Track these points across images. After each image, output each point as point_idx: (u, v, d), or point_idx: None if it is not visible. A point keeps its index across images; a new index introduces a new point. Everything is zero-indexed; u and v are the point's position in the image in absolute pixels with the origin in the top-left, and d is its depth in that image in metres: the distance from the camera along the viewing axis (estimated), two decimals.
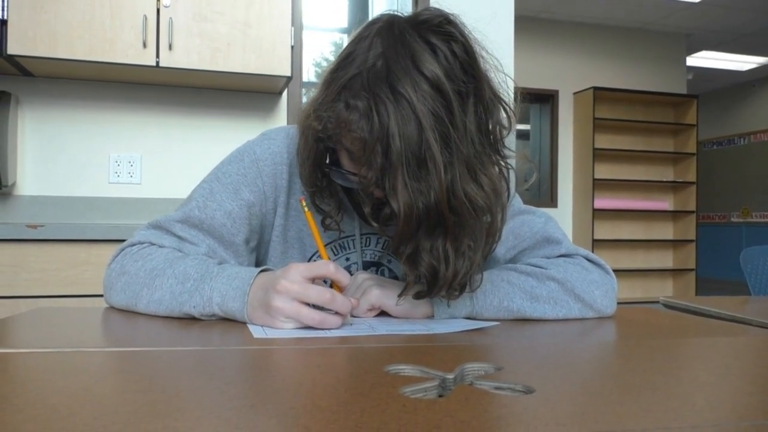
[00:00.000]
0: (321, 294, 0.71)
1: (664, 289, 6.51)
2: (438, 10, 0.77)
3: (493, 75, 0.78)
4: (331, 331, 0.70)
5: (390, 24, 0.75)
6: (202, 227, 0.87)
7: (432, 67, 0.71)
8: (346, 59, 0.76)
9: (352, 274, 0.94)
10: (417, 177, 0.69)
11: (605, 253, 6.12)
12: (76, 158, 2.43)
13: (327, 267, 0.73)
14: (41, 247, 1.85)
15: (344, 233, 0.94)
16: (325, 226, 0.87)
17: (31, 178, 2.39)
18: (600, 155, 6.09)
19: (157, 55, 2.18)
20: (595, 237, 6.00)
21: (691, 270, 6.36)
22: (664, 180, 6.43)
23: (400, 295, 0.80)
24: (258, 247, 0.96)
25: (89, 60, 2.12)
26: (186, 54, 2.20)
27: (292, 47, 2.31)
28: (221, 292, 0.75)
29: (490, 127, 0.76)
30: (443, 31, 0.74)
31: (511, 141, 0.81)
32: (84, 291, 1.86)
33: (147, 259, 0.82)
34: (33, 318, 0.79)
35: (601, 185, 6.08)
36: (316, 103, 0.78)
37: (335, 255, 0.95)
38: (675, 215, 6.51)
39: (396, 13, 0.79)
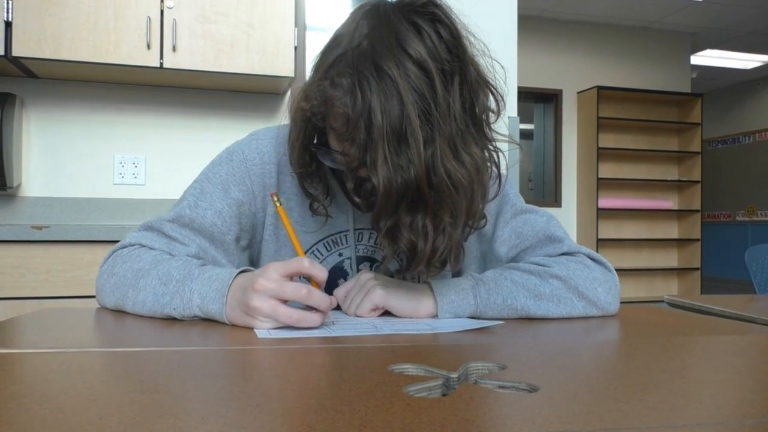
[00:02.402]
0: (297, 290, 0.71)
1: (669, 289, 6.49)
2: None
3: (480, 60, 0.79)
4: (335, 330, 0.71)
5: (376, 7, 0.78)
6: (192, 226, 0.88)
7: (416, 46, 0.72)
8: (333, 41, 0.79)
9: (345, 270, 0.95)
10: (397, 152, 0.71)
11: (610, 252, 6.11)
12: (80, 159, 2.44)
13: (301, 263, 0.73)
14: (46, 248, 1.86)
15: (337, 229, 0.95)
16: (312, 210, 0.89)
17: (36, 180, 2.40)
18: (604, 154, 6.07)
19: (161, 57, 2.18)
20: (600, 236, 5.98)
21: (696, 269, 6.34)
22: (669, 179, 6.41)
23: (377, 269, 0.82)
24: (251, 246, 0.97)
25: (93, 61, 2.13)
26: (190, 55, 2.21)
27: (296, 48, 2.32)
28: (201, 293, 0.75)
29: (477, 109, 0.77)
30: (429, 13, 0.76)
31: (500, 126, 0.82)
32: (89, 292, 1.87)
33: (135, 261, 0.83)
34: (38, 319, 0.79)
35: (605, 184, 6.07)
36: (306, 85, 0.80)
37: (328, 251, 0.96)
38: (680, 214, 6.49)
39: None
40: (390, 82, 0.70)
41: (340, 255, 0.96)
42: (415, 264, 0.77)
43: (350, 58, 0.73)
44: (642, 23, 6.30)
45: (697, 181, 6.32)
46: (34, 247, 1.85)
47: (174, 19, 2.18)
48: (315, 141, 0.85)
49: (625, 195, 6.26)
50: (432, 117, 0.72)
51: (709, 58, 7.23)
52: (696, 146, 6.33)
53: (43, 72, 2.30)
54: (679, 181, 6.40)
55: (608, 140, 6.11)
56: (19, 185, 2.34)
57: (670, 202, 6.44)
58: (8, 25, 2.05)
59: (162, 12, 2.18)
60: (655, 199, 6.39)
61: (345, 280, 0.96)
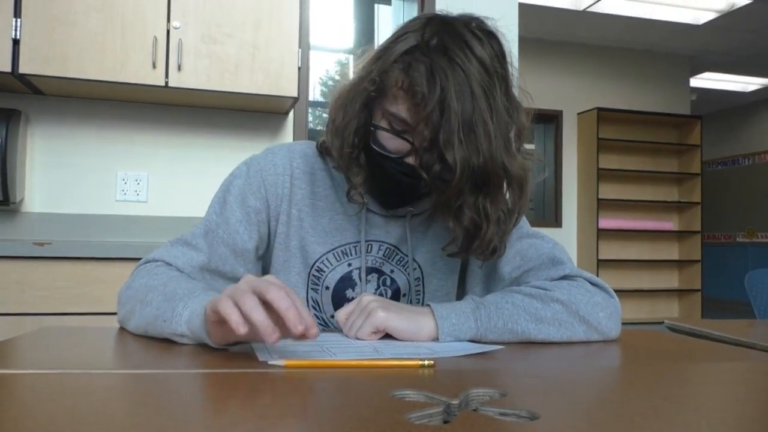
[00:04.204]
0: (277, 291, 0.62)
1: (670, 310, 6.47)
2: (474, 15, 0.87)
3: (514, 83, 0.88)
4: (336, 353, 0.71)
5: (438, 16, 0.86)
6: (217, 234, 0.92)
7: (480, 50, 0.81)
8: (399, 37, 0.85)
9: (354, 280, 0.96)
10: (469, 137, 0.78)
11: (610, 273, 6.10)
12: (83, 176, 2.45)
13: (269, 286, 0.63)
14: (48, 264, 1.87)
15: (347, 240, 0.97)
16: (349, 198, 0.93)
17: (39, 195, 2.41)
18: (604, 175, 6.09)
19: (167, 76, 2.20)
20: (600, 257, 5.98)
21: (697, 290, 6.33)
22: (669, 200, 6.42)
23: (444, 247, 0.90)
24: (264, 256, 0.99)
25: (99, 79, 2.15)
26: (195, 75, 2.23)
27: (299, 68, 2.34)
28: (192, 309, 0.72)
29: (514, 120, 0.85)
30: (483, 29, 0.85)
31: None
32: (90, 309, 1.87)
33: (152, 277, 0.85)
34: (38, 338, 0.79)
35: (605, 205, 6.08)
36: (362, 71, 0.87)
37: (338, 261, 0.97)
38: (680, 235, 6.49)
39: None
40: (462, 74, 0.78)
41: (349, 265, 0.97)
42: (477, 245, 0.86)
43: (424, 49, 0.81)
44: (642, 46, 6.36)
45: (698, 203, 6.34)
46: (36, 264, 1.86)
47: (180, 39, 2.21)
48: (371, 123, 0.88)
49: (625, 216, 6.27)
50: (493, 113, 0.80)
51: (708, 80, 7.29)
52: (696, 168, 6.36)
53: (48, 89, 2.32)
54: (680, 202, 6.42)
55: (608, 161, 6.14)
56: (21, 201, 2.35)
57: (670, 224, 6.45)
58: (16, 42, 2.08)
59: (168, 32, 2.21)
60: (656, 220, 6.40)
61: (353, 290, 0.97)
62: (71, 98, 2.43)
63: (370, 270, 0.98)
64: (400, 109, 0.83)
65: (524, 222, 0.99)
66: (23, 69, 2.08)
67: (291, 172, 0.97)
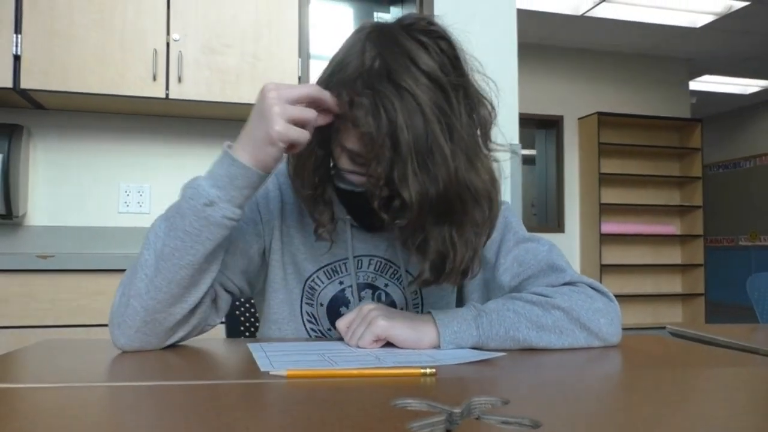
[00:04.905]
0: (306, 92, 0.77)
1: (673, 315, 6.45)
2: (419, 14, 0.83)
3: (473, 74, 0.82)
4: (338, 363, 0.71)
5: (378, 29, 0.80)
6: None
7: (427, 61, 0.75)
8: (339, 66, 0.80)
9: (347, 298, 0.96)
10: (425, 167, 0.74)
11: (613, 278, 6.09)
12: (85, 188, 2.46)
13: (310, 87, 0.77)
14: (51, 277, 1.87)
15: (336, 257, 0.95)
16: (317, 236, 0.90)
17: (42, 209, 2.42)
18: (606, 180, 6.09)
19: (167, 88, 2.22)
20: (603, 262, 5.97)
21: (701, 294, 6.30)
22: (671, 204, 6.42)
23: (410, 284, 0.86)
24: (260, 272, 0.97)
25: (100, 93, 2.16)
26: (195, 86, 2.24)
27: (299, 78, 2.35)
28: (207, 173, 0.80)
29: (477, 120, 0.81)
30: (429, 30, 0.79)
31: (497, 135, 0.85)
32: (94, 321, 1.87)
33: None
34: (40, 351, 0.80)
35: (607, 210, 6.07)
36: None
37: (329, 279, 0.96)
38: (682, 239, 6.48)
39: (380, 21, 0.84)
40: (410, 98, 0.73)
41: (341, 283, 0.96)
42: (445, 276, 0.80)
43: (366, 79, 0.75)
44: (641, 50, 6.37)
45: (699, 206, 6.33)
46: (40, 276, 1.86)
47: (180, 51, 2.22)
48: (331, 165, 0.86)
49: (627, 220, 6.27)
50: (452, 130, 0.75)
51: (707, 83, 7.30)
52: (697, 171, 6.35)
53: (50, 103, 2.33)
54: (681, 206, 6.41)
55: (610, 166, 6.14)
56: (25, 214, 2.35)
57: (672, 227, 6.44)
58: (17, 58, 2.09)
59: (168, 44, 2.22)
60: (658, 224, 6.39)
61: (347, 308, 0.96)
62: (73, 112, 2.45)
63: (364, 286, 0.97)
64: (355, 144, 0.79)
65: (519, 227, 0.98)
66: (24, 84, 2.10)
67: (278, 187, 0.97)
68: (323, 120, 0.79)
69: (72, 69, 2.13)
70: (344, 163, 0.82)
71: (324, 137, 0.82)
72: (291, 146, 0.77)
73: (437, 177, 0.74)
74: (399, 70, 0.74)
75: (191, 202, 0.78)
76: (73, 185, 2.45)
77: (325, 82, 0.81)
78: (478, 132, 0.81)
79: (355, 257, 0.96)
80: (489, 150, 0.83)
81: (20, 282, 1.85)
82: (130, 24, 2.19)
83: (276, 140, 0.74)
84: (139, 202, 2.50)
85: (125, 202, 2.49)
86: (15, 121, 2.31)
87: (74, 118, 2.45)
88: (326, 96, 0.78)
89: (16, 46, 2.09)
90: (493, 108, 0.83)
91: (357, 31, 0.83)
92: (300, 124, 0.76)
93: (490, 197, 0.80)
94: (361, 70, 0.76)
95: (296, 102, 0.76)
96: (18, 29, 2.09)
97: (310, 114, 0.76)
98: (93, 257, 1.93)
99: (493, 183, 0.81)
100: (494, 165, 0.83)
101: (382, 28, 0.80)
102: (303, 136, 0.76)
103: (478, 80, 0.83)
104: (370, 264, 0.97)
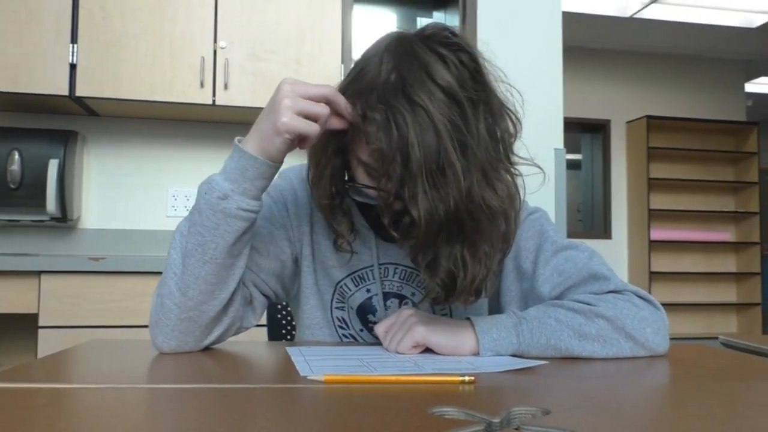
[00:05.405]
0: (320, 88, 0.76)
1: (727, 325, 6.21)
2: (442, 24, 0.81)
3: (497, 84, 0.80)
4: (376, 368, 0.71)
5: (398, 40, 0.79)
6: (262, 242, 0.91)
7: (444, 75, 0.74)
8: (358, 75, 0.80)
9: (374, 306, 0.95)
10: (436, 185, 0.72)
11: (663, 286, 5.90)
12: (136, 193, 2.54)
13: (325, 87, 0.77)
14: (103, 278, 1.94)
15: (362, 264, 0.95)
16: (336, 247, 0.90)
17: (95, 212, 2.51)
18: (655, 185, 5.92)
19: (214, 94, 2.27)
20: (653, 269, 5.79)
21: (758, 304, 6.05)
22: (725, 210, 6.18)
23: (420, 302, 0.84)
24: (296, 275, 0.98)
25: (150, 100, 2.24)
26: (240, 92, 2.29)
27: None
28: (221, 172, 0.80)
29: (499, 134, 0.79)
30: (450, 42, 0.77)
31: (517, 148, 0.83)
32: (141, 321, 1.92)
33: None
34: (86, 352, 0.82)
35: (657, 216, 5.90)
36: None
37: (356, 286, 0.96)
38: (737, 246, 6.23)
39: (402, 30, 0.82)
40: (424, 113, 0.71)
41: (368, 291, 0.96)
42: (456, 295, 0.78)
43: (380, 93, 0.74)
44: (693, 51, 6.17)
45: (756, 213, 6.08)
46: (91, 278, 1.93)
47: (226, 59, 2.27)
48: (346, 177, 0.86)
49: (679, 227, 6.07)
50: (467, 147, 0.73)
51: (765, 85, 7.01)
52: (753, 176, 6.11)
53: (103, 110, 2.42)
54: (736, 212, 6.17)
55: (660, 170, 5.96)
56: (78, 218, 2.44)
57: (727, 234, 6.21)
58: (73, 67, 2.18)
59: (215, 52, 2.28)
60: (711, 231, 6.16)
61: (374, 315, 0.96)
62: (124, 118, 2.53)
63: (390, 295, 0.96)
64: (368, 157, 0.78)
65: (557, 235, 0.94)
66: (80, 92, 2.19)
67: (308, 193, 0.95)
68: (338, 124, 0.78)
69: (124, 77, 2.21)
70: (360, 174, 0.81)
71: (341, 147, 0.82)
72: (302, 140, 0.78)
73: (448, 195, 0.72)
74: (414, 84, 0.73)
75: (206, 197, 0.79)
76: (123, 189, 2.53)
77: (344, 89, 0.80)
78: (500, 147, 0.79)
79: (380, 265, 0.95)
80: (511, 163, 0.81)
81: (73, 283, 1.92)
82: (179, 32, 2.26)
83: (282, 131, 0.74)
84: (186, 207, 2.56)
85: (173, 206, 2.55)
86: (70, 127, 2.40)
87: (126, 125, 2.54)
88: (341, 101, 0.77)
89: (73, 55, 2.18)
90: (517, 120, 0.82)
91: (378, 42, 0.82)
92: (311, 118, 0.75)
93: (507, 215, 0.78)
94: (376, 82, 0.76)
95: (309, 99, 0.76)
96: (74, 39, 2.18)
97: (321, 109, 0.75)
98: (142, 260, 1.98)
99: (511, 200, 0.78)
100: (518, 180, 0.81)
101: (401, 40, 0.79)
102: (311, 128, 0.75)
103: (503, 89, 0.81)
104: (395, 272, 0.96)
